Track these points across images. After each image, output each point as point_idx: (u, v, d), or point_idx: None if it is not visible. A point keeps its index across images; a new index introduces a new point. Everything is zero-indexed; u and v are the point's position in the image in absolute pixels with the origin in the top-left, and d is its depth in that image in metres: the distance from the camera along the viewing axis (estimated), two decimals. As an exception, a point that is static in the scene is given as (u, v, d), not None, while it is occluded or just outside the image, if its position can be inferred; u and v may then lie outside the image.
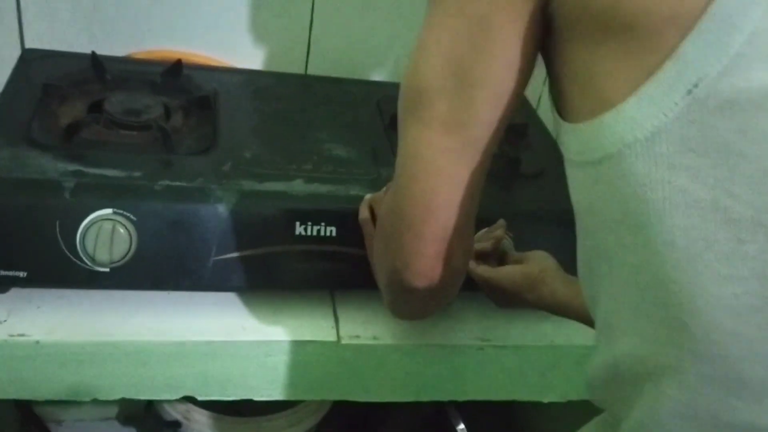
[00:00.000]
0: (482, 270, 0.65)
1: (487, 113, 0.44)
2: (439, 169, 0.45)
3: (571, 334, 0.72)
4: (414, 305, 0.55)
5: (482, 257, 0.67)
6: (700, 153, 0.36)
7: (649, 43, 0.37)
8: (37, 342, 0.62)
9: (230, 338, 0.66)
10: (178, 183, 0.66)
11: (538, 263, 0.63)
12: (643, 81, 0.37)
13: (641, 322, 0.40)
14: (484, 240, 0.68)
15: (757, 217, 0.36)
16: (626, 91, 0.38)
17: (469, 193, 0.46)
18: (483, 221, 0.70)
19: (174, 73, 0.82)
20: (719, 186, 0.36)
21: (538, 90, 1.00)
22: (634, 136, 0.37)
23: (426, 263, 0.48)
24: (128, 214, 0.63)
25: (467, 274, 0.65)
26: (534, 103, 0.98)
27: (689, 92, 0.36)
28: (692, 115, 0.36)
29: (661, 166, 0.37)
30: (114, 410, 1.21)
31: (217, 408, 0.94)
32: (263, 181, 0.69)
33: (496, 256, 0.67)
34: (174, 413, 0.94)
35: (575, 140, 0.42)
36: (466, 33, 0.43)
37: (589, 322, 0.60)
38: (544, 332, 0.72)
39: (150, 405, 0.97)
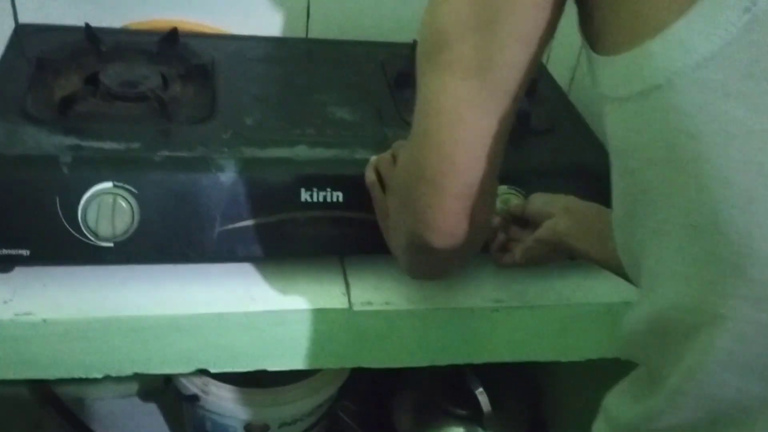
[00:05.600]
0: (519, 258, 0.64)
1: (513, 55, 0.41)
2: (461, 119, 0.42)
3: (588, 291, 0.70)
4: (434, 266, 0.53)
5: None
6: (759, 78, 0.33)
7: None
8: (44, 320, 0.61)
9: (240, 309, 0.64)
10: (178, 153, 0.65)
11: (549, 228, 0.60)
12: (694, 0, 0.34)
13: (691, 269, 0.36)
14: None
15: None
16: (674, 14, 0.34)
17: (493, 145, 0.43)
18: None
19: (170, 42, 0.80)
20: None
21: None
22: (684, 62, 0.34)
23: (448, 221, 0.45)
24: (129, 187, 0.61)
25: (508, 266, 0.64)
26: (544, 59, 0.95)
27: (747, 9, 0.33)
28: (751, 36, 0.33)
29: (714, 95, 0.34)
30: (134, 387, 1.22)
31: (235, 380, 0.93)
32: (266, 148, 0.67)
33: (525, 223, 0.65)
34: (192, 387, 0.94)
35: (613, 74, 0.38)
36: None
37: (616, 269, 0.58)
38: (561, 291, 0.70)
39: (168, 380, 0.97)
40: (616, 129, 0.40)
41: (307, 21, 0.92)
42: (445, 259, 0.50)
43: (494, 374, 0.98)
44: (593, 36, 0.40)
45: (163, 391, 1.01)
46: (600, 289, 0.70)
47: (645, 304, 0.40)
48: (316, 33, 0.93)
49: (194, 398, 0.93)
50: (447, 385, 1.00)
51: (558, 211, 0.60)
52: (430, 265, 0.53)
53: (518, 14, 0.40)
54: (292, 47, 0.88)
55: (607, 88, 0.39)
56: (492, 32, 0.40)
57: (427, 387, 1.02)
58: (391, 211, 0.53)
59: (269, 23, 0.92)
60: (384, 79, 0.82)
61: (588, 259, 0.59)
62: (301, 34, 0.93)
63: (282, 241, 0.66)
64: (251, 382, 0.94)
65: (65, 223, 0.61)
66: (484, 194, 0.45)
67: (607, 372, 0.51)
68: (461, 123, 0.42)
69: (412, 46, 0.86)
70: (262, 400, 0.93)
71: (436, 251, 0.48)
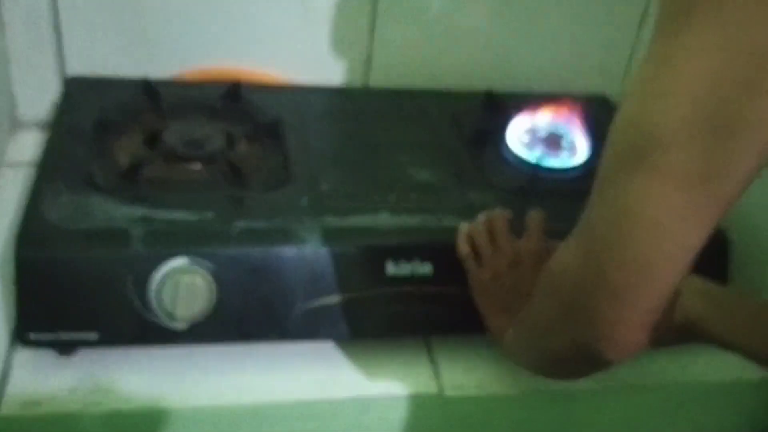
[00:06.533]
0: None
1: (743, 166, 0.35)
2: (667, 231, 0.37)
3: (695, 370, 0.65)
4: (586, 372, 0.47)
5: None
6: None
7: None
8: (116, 411, 0.55)
9: (324, 396, 0.59)
10: (255, 224, 0.60)
11: (681, 311, 0.55)
12: None
13: None
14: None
15: None
16: None
17: (696, 254, 0.38)
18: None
19: (233, 96, 0.75)
20: None
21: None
22: None
23: (632, 336, 0.40)
24: (206, 263, 0.56)
25: None
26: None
27: None
28: None
29: None
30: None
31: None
32: (347, 216, 0.62)
33: None
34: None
35: None
36: (730, 69, 0.34)
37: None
38: (666, 370, 0.64)
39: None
40: None
41: (369, 66, 0.87)
42: (606, 367, 0.44)
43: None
44: None
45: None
46: (707, 367, 0.65)
47: None
48: (377, 79, 0.88)
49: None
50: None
51: (686, 293, 0.55)
52: (583, 371, 0.48)
53: (758, 124, 0.34)
54: (358, 99, 0.83)
55: None
56: (723, 140, 0.35)
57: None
58: (538, 310, 0.47)
59: (328, 68, 0.87)
60: (458, 135, 0.77)
61: (724, 346, 0.53)
62: (361, 81, 0.88)
63: (368, 318, 0.61)
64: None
65: (137, 304, 0.56)
66: (669, 302, 0.40)
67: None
68: (665, 235, 0.37)
69: (485, 98, 0.82)
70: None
71: (607, 362, 0.42)
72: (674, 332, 0.55)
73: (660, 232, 0.37)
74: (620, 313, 0.39)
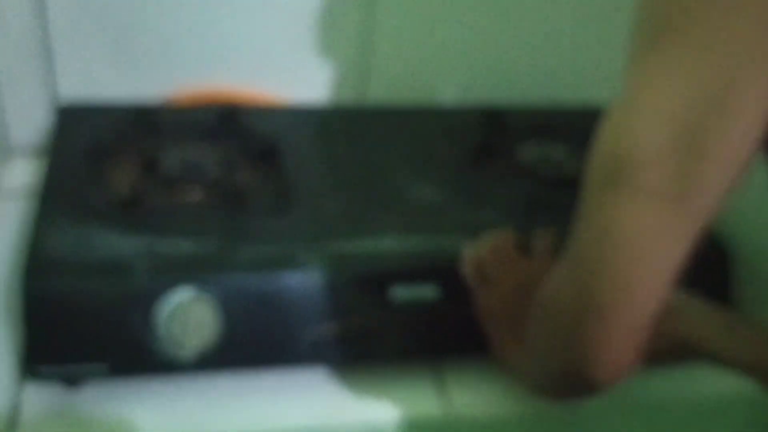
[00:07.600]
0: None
1: (716, 183, 0.37)
2: (646, 249, 0.38)
3: (693, 386, 0.65)
4: (579, 396, 0.48)
5: None
6: None
7: None
8: (125, 447, 0.55)
9: (332, 421, 0.59)
10: (259, 251, 0.60)
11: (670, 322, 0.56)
12: None
13: None
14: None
15: None
16: None
17: (677, 271, 0.39)
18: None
19: (229, 119, 0.74)
20: None
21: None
22: None
23: (617, 355, 0.40)
24: (211, 293, 0.56)
25: None
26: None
27: None
28: None
29: None
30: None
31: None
32: (350, 240, 0.62)
33: None
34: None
35: None
36: (701, 92, 0.35)
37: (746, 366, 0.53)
38: (668, 387, 0.65)
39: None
40: None
41: (368, 81, 0.87)
42: (599, 389, 0.45)
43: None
44: None
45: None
46: (705, 383, 0.65)
47: None
48: (375, 93, 0.87)
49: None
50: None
51: (686, 313, 0.55)
52: (577, 394, 0.48)
53: (727, 145, 0.36)
54: (355, 118, 0.83)
55: None
56: (695, 157, 0.36)
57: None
58: (534, 334, 0.48)
59: (325, 84, 0.86)
60: (458, 151, 0.77)
61: (724, 363, 0.54)
62: (359, 96, 0.88)
63: (375, 342, 0.61)
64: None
65: (145, 334, 0.55)
66: (654, 321, 0.40)
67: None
68: (644, 253, 0.38)
69: (484, 114, 0.82)
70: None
71: (596, 384, 0.43)
72: (671, 351, 0.56)
73: (637, 250, 0.38)
74: (606, 333, 0.40)
